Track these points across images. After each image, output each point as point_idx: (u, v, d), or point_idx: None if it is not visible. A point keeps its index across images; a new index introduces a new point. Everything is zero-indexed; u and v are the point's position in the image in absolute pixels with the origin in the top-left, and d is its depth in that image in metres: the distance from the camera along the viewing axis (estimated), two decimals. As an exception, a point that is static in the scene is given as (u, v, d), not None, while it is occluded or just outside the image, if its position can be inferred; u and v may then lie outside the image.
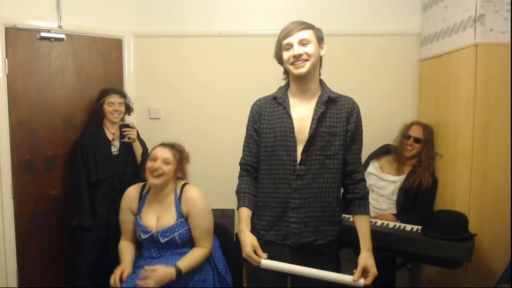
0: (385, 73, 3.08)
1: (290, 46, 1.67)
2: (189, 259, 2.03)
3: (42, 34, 2.69)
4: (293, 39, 1.66)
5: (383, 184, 2.66)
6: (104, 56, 3.02)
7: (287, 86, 1.80)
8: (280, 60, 1.75)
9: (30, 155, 2.71)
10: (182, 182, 2.20)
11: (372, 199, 2.66)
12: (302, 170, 1.67)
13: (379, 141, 2.89)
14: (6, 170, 2.60)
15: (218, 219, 3.00)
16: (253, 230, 1.73)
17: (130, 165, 2.75)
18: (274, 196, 1.72)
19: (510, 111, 2.23)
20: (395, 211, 2.58)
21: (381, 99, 3.09)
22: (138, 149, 2.75)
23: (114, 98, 2.73)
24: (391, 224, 2.35)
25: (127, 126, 2.70)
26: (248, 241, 1.64)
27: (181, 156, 2.17)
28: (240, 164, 1.84)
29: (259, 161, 1.78)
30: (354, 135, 1.71)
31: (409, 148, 2.65)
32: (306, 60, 1.66)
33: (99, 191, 2.66)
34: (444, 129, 2.61)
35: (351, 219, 2.41)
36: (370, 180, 2.71)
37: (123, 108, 2.77)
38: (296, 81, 1.73)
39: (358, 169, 1.75)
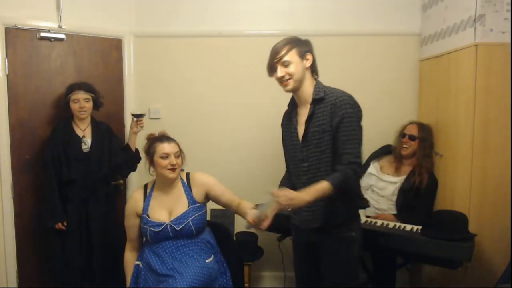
0: (385, 73, 3.08)
1: (275, 69, 1.87)
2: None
3: (42, 34, 2.69)
4: (276, 62, 1.86)
5: (383, 185, 2.66)
6: (104, 56, 3.02)
7: None
8: (271, 74, 1.94)
9: (30, 155, 2.71)
10: (185, 172, 2.30)
11: (372, 199, 2.66)
12: (305, 166, 1.93)
13: (379, 141, 2.88)
14: (6, 170, 2.60)
15: (218, 219, 3.01)
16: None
17: (104, 163, 2.66)
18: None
19: (510, 111, 2.23)
20: (395, 212, 2.58)
21: (381, 99, 3.09)
22: (134, 143, 2.71)
23: (79, 95, 2.58)
24: (391, 224, 2.35)
25: (141, 116, 2.68)
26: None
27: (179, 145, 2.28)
28: None
29: None
30: (338, 128, 1.82)
31: (405, 146, 2.66)
32: (289, 79, 1.86)
33: (71, 190, 2.59)
34: (444, 129, 2.61)
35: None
36: (370, 181, 2.71)
37: (89, 104, 2.63)
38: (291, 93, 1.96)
39: (343, 160, 1.81)
